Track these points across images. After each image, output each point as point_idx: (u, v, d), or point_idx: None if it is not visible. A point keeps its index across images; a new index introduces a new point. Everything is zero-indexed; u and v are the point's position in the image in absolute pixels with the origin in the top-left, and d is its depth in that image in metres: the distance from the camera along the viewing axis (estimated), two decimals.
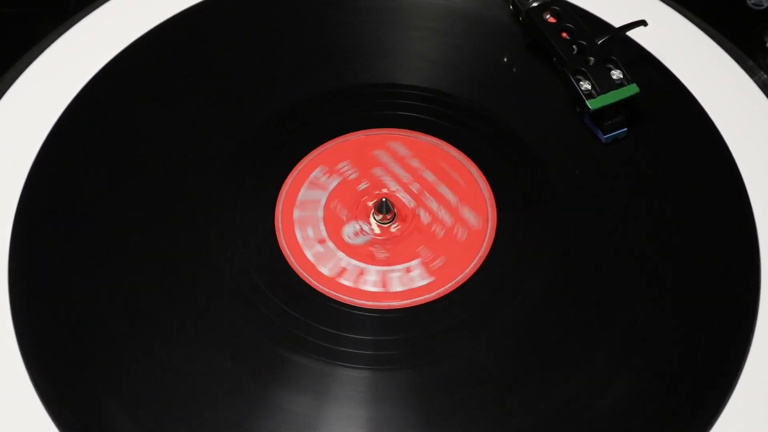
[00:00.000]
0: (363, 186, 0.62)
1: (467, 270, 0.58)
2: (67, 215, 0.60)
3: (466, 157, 0.63)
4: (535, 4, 0.67)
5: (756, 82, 0.68)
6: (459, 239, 0.60)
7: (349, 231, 0.61)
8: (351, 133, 0.65)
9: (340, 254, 0.59)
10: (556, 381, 0.54)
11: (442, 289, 0.58)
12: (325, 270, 0.59)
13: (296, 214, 0.61)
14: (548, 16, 0.67)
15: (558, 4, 0.67)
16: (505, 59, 0.69)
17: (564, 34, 0.66)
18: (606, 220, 0.61)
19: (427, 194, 0.62)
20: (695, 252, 0.59)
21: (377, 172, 0.63)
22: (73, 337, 0.55)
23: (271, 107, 0.66)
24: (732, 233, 0.60)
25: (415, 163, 0.63)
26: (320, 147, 0.64)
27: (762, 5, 0.73)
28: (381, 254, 0.59)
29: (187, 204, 0.61)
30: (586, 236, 0.60)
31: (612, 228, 0.60)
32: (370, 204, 0.61)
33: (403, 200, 0.62)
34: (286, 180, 0.62)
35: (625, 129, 0.64)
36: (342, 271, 0.59)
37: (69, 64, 0.68)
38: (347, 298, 0.57)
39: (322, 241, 0.60)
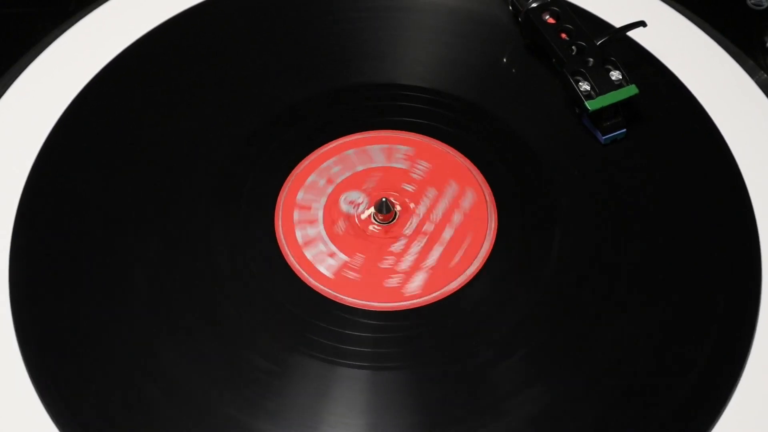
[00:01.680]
0: (408, 187, 0.62)
1: (464, 274, 0.59)
2: (67, 215, 0.60)
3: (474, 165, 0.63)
4: (534, 5, 0.67)
5: (756, 82, 0.68)
6: (384, 283, 0.59)
7: (351, 196, 0.61)
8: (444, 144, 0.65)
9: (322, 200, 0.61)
10: (556, 381, 0.54)
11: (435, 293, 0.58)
12: (297, 236, 0.59)
13: (296, 217, 0.61)
14: (547, 17, 0.67)
15: (557, 4, 0.67)
16: (505, 60, 0.69)
17: (563, 35, 0.66)
18: (606, 220, 0.61)
19: (424, 240, 0.61)
20: (695, 252, 0.59)
21: (430, 192, 0.62)
22: (73, 337, 0.55)
23: (273, 107, 0.66)
24: (732, 233, 0.60)
25: (456, 218, 0.61)
26: (322, 147, 0.64)
27: (762, 5, 0.72)
28: (339, 229, 0.60)
29: (188, 204, 0.61)
30: (585, 236, 0.60)
31: (612, 228, 0.60)
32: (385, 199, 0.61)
33: (408, 223, 0.61)
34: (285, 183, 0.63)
35: (624, 130, 0.64)
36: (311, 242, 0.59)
37: (69, 64, 0.68)
38: (351, 299, 0.58)
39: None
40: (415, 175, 0.63)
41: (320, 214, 0.61)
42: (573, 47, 0.65)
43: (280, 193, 0.62)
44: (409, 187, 0.62)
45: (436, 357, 0.55)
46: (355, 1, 0.72)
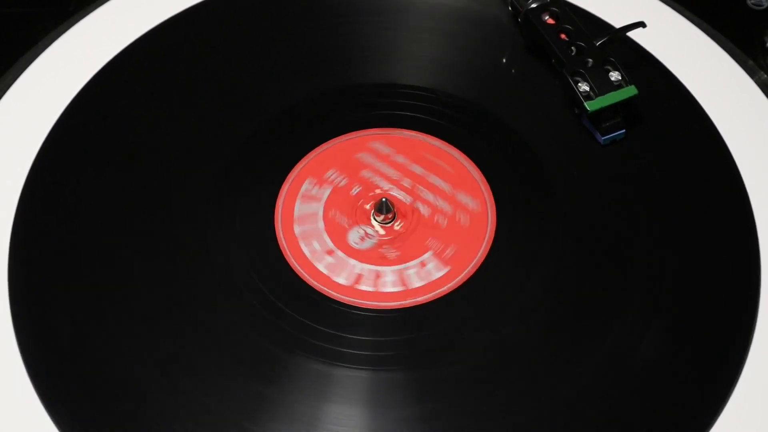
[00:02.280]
0: (356, 190, 0.62)
1: (479, 254, 0.59)
2: (67, 215, 0.60)
3: (446, 143, 0.63)
4: (533, 6, 0.67)
5: (756, 82, 0.68)
6: (463, 225, 0.60)
7: (354, 237, 0.60)
8: (331, 140, 0.65)
9: (353, 261, 0.59)
10: (556, 381, 0.54)
11: (461, 276, 0.58)
12: (341, 279, 0.59)
13: (297, 229, 0.61)
14: (547, 18, 0.67)
15: (556, 5, 0.67)
16: (504, 60, 0.69)
17: (563, 36, 0.66)
18: (605, 220, 0.61)
19: (421, 187, 0.62)
20: (694, 252, 0.59)
21: (366, 174, 0.63)
22: (73, 337, 0.56)
23: (275, 105, 0.66)
24: (732, 233, 0.60)
25: (401, 159, 0.63)
26: (303, 159, 0.64)
27: (762, 5, 0.72)
28: (392, 254, 0.60)
29: (187, 204, 0.61)
30: (585, 236, 0.60)
31: (611, 228, 0.60)
32: (368, 207, 0.61)
33: (399, 197, 0.62)
34: (278, 197, 0.62)
35: (624, 130, 0.63)
36: (359, 278, 0.59)
37: (69, 64, 0.68)
38: (369, 302, 0.57)
39: (330, 252, 0.60)
40: (342, 183, 0.63)
41: (321, 225, 0.61)
42: (572, 48, 0.65)
43: (280, 193, 0.62)
44: (355, 189, 0.62)
45: (436, 357, 0.55)
46: (356, 1, 0.72)
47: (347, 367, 0.55)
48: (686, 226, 0.60)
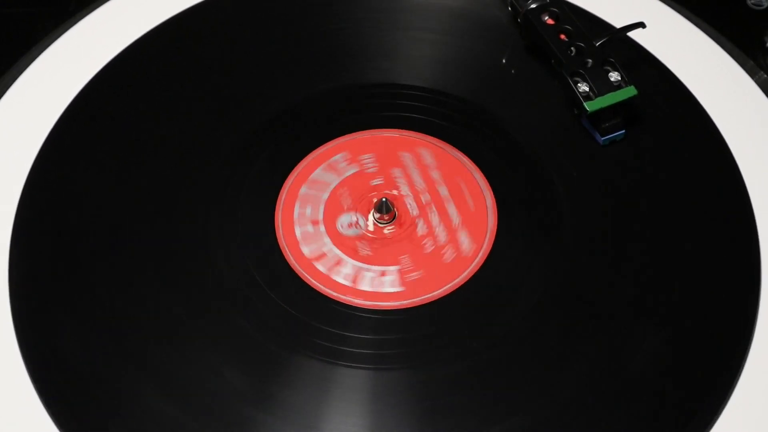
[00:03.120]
0: (376, 182, 0.62)
1: (439, 290, 0.58)
2: (67, 215, 0.61)
3: (487, 183, 0.63)
4: (533, 6, 0.67)
5: (756, 82, 0.68)
6: (445, 260, 0.59)
7: (344, 220, 0.61)
8: (384, 129, 0.65)
9: (326, 239, 0.60)
10: (556, 382, 0.54)
11: (407, 301, 0.58)
12: (306, 250, 0.59)
13: (303, 190, 0.61)
14: (546, 18, 0.67)
15: (556, 5, 0.67)
16: (504, 61, 0.69)
17: (562, 36, 0.66)
18: (605, 221, 0.61)
19: (434, 208, 0.62)
20: (695, 252, 0.59)
21: (396, 172, 0.63)
22: (73, 337, 0.56)
23: (276, 104, 0.66)
24: (732, 233, 0.60)
25: (435, 175, 0.63)
26: (351, 135, 0.64)
27: (762, 5, 0.72)
28: (364, 251, 0.60)
29: (187, 204, 0.61)
30: (584, 237, 0.60)
31: (611, 229, 0.60)
32: (375, 201, 0.61)
33: (408, 207, 0.62)
34: (306, 157, 0.63)
35: (623, 131, 0.64)
36: (321, 256, 0.59)
37: (69, 64, 0.68)
38: (316, 282, 0.58)
39: (315, 222, 0.60)
40: (370, 170, 0.63)
41: (325, 196, 0.62)
42: (572, 48, 0.65)
43: (280, 193, 0.62)
44: (377, 180, 0.63)
45: (436, 357, 0.55)
46: (356, 2, 0.72)
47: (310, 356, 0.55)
48: (686, 226, 0.60)
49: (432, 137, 0.64)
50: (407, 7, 0.72)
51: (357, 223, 0.61)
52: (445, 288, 0.58)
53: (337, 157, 0.63)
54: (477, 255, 0.59)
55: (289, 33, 0.70)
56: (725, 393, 0.54)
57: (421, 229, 0.61)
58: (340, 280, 0.58)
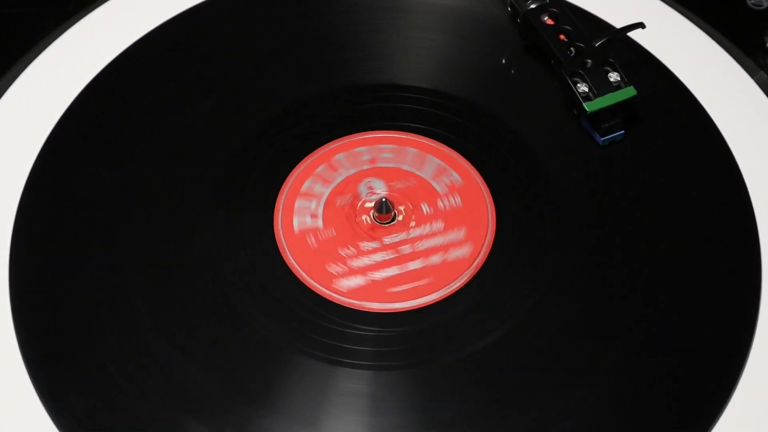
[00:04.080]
0: (426, 209, 0.62)
1: (445, 290, 0.58)
2: (67, 215, 0.61)
3: (483, 181, 0.63)
4: (532, 6, 0.67)
5: (756, 82, 0.68)
6: (448, 259, 0.60)
7: (374, 184, 0.62)
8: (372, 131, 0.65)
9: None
10: (556, 382, 0.54)
11: (416, 301, 0.58)
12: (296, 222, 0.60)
13: (299, 202, 0.62)
14: (546, 18, 0.67)
15: (556, 6, 0.67)
16: (504, 61, 0.69)
17: (562, 36, 0.65)
18: (605, 221, 0.61)
19: (431, 210, 0.62)
20: (695, 252, 0.59)
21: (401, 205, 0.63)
22: (73, 337, 0.56)
23: (275, 105, 0.66)
24: (732, 233, 0.60)
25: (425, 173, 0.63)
26: (341, 138, 0.65)
27: (762, 5, 0.72)
28: (374, 258, 0.60)
29: (187, 204, 0.61)
30: (584, 237, 0.60)
31: (611, 229, 0.60)
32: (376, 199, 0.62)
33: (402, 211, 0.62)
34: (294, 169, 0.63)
35: (623, 132, 0.63)
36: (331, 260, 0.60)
37: (69, 64, 0.68)
38: (321, 288, 0.58)
39: (314, 216, 0.61)
40: (441, 204, 0.62)
41: (340, 179, 0.62)
42: (571, 49, 0.65)
43: (280, 193, 0.62)
44: (426, 209, 0.62)
45: (436, 357, 0.55)
46: (355, 2, 0.72)
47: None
48: (686, 227, 0.60)
49: (486, 185, 0.63)
50: (407, 7, 0.72)
51: (372, 192, 0.62)
52: (452, 286, 0.58)
53: (454, 174, 0.63)
54: (478, 254, 0.60)
55: (289, 33, 0.70)
56: (726, 393, 0.54)
57: (365, 245, 0.60)
58: (351, 284, 0.58)
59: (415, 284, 0.58)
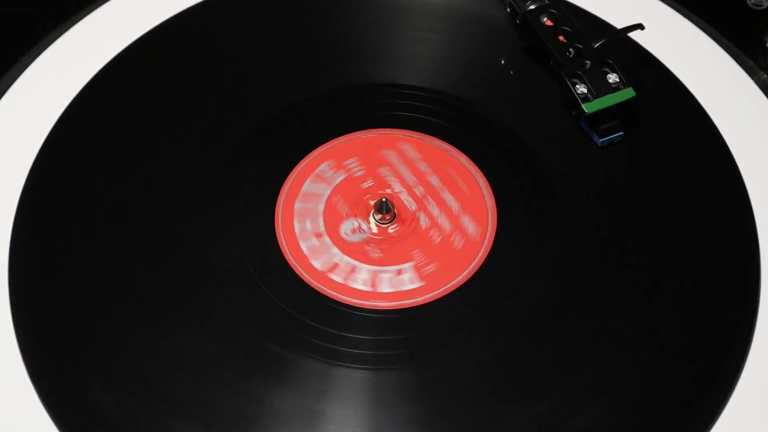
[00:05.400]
0: (367, 184, 0.62)
1: (459, 278, 0.58)
2: (67, 215, 0.61)
3: (473, 165, 0.63)
4: (532, 7, 0.67)
5: (756, 82, 0.68)
6: (455, 247, 0.60)
7: (347, 227, 0.61)
8: (362, 131, 0.65)
9: (335, 250, 0.60)
10: (556, 381, 0.54)
11: (430, 294, 0.58)
12: (317, 264, 0.59)
13: (298, 205, 0.61)
14: (545, 19, 0.67)
15: (555, 7, 0.67)
16: (503, 62, 0.69)
17: (560, 38, 0.65)
18: (605, 221, 0.61)
19: (430, 199, 0.62)
20: (695, 252, 0.59)
21: (384, 171, 0.63)
22: (73, 337, 0.56)
23: (274, 106, 0.66)
24: (732, 233, 0.60)
25: (423, 167, 0.63)
26: (330, 142, 0.64)
27: (762, 5, 0.72)
28: (375, 254, 0.60)
29: (187, 204, 0.61)
30: (584, 237, 0.60)
31: (611, 230, 0.60)
32: (372, 203, 0.61)
33: (405, 203, 0.62)
34: (292, 171, 0.63)
35: (621, 133, 0.63)
36: (334, 267, 0.59)
37: (69, 64, 0.68)
38: (335, 293, 0.58)
39: (318, 235, 0.60)
40: (358, 173, 0.63)
41: (321, 207, 0.62)
42: (570, 50, 0.65)
43: (280, 193, 0.62)
44: (368, 183, 0.63)
45: (436, 357, 0.55)
46: (355, 1, 0.72)
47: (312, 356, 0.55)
48: (686, 227, 0.60)
49: (410, 131, 0.65)
50: (406, 7, 0.72)
51: (360, 228, 0.61)
52: (464, 273, 0.59)
53: (323, 166, 0.63)
54: (484, 237, 0.60)
55: (288, 33, 0.70)
56: (726, 394, 0.54)
57: (424, 221, 0.61)
58: (359, 286, 0.58)
59: (462, 187, 0.61)
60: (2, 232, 0.60)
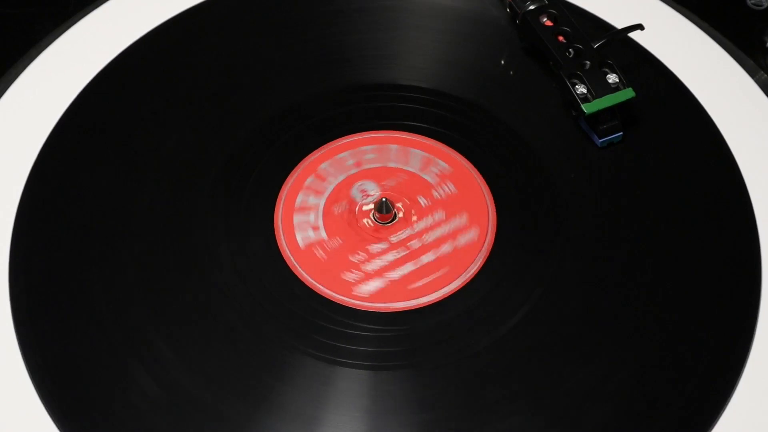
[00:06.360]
0: (423, 201, 0.62)
1: (459, 279, 0.58)
2: (67, 215, 0.61)
3: (473, 165, 0.63)
4: (531, 7, 0.67)
5: (756, 82, 0.68)
6: (455, 248, 0.60)
7: (367, 186, 0.62)
8: (362, 132, 0.65)
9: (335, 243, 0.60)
10: (556, 382, 0.54)
11: (431, 295, 0.58)
12: (298, 238, 0.60)
13: (299, 201, 0.62)
14: (545, 20, 0.67)
15: (555, 7, 0.67)
16: (503, 62, 0.69)
17: (560, 38, 0.65)
18: (605, 222, 0.61)
19: (430, 200, 0.62)
20: (695, 253, 0.59)
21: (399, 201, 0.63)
22: (72, 337, 0.56)
23: (274, 106, 0.66)
24: (733, 234, 0.60)
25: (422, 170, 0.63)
26: (330, 143, 0.64)
27: (762, 5, 0.72)
28: (377, 252, 0.60)
29: (188, 204, 0.61)
30: (584, 238, 0.60)
31: (611, 230, 0.60)
32: (372, 203, 0.62)
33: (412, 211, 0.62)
34: (294, 171, 0.63)
35: (621, 133, 0.63)
36: (334, 265, 0.59)
37: (69, 64, 0.68)
38: (335, 294, 0.58)
39: (315, 228, 0.61)
40: (436, 194, 0.62)
41: (331, 188, 0.62)
42: (570, 50, 0.65)
43: (280, 193, 0.62)
44: (424, 202, 0.62)
45: (436, 357, 0.55)
46: (355, 2, 0.72)
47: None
48: (686, 227, 0.60)
49: (487, 185, 0.63)
50: (406, 7, 0.71)
51: (367, 195, 0.62)
52: (464, 274, 0.59)
53: (441, 163, 0.63)
54: (484, 238, 0.60)
55: (288, 34, 0.70)
56: (726, 394, 0.54)
57: (375, 248, 0.60)
58: (360, 286, 0.58)
59: (434, 276, 0.59)
60: (3, 231, 0.60)
